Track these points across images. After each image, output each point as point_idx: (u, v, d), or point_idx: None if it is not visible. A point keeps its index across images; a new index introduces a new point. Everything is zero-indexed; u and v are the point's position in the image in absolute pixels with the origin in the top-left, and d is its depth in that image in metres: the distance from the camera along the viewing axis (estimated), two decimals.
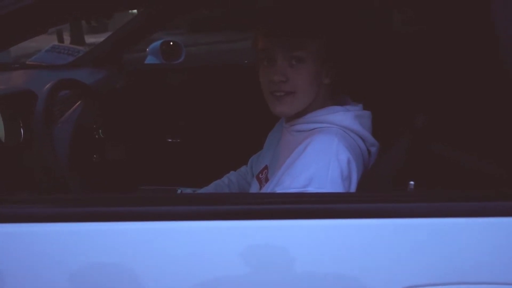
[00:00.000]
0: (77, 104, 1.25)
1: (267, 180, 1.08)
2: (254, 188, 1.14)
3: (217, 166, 1.44)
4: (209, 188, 1.34)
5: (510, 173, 0.77)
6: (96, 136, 1.30)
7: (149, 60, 2.36)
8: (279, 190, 0.94)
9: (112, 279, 0.76)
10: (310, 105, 1.03)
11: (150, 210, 0.76)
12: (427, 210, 0.73)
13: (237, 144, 1.70)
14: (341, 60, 1.02)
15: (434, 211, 0.73)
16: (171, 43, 2.38)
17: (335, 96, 1.07)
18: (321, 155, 0.93)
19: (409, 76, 1.21)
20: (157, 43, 2.35)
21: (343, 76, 1.03)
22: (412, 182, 0.78)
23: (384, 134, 1.05)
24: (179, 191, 1.52)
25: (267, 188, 1.03)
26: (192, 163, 1.94)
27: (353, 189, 0.95)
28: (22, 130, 1.31)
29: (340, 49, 1.02)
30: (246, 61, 2.34)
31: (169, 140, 2.15)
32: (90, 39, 10.10)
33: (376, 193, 0.86)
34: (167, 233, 0.75)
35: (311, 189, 0.90)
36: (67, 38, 10.24)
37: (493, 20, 0.75)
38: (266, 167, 1.14)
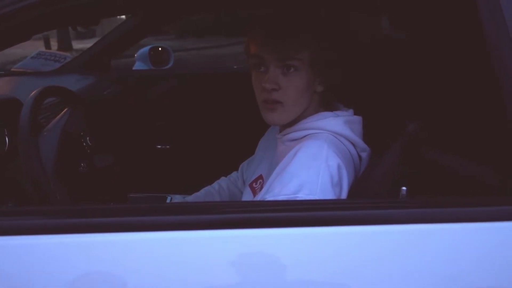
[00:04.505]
0: (64, 111, 1.22)
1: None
2: (247, 197, 1.12)
3: (207, 172, 1.42)
4: (199, 195, 1.33)
5: (503, 178, 0.77)
6: (84, 144, 1.27)
7: (138, 66, 2.35)
8: (269, 197, 0.93)
9: None
10: (302, 113, 1.02)
11: (139, 221, 0.74)
12: (420, 216, 0.73)
13: (227, 150, 1.69)
14: (334, 68, 1.01)
15: (427, 217, 0.73)
16: (160, 49, 2.37)
17: (328, 103, 1.06)
18: (311, 161, 0.93)
19: (401, 82, 1.21)
20: (146, 49, 2.34)
21: (336, 84, 1.02)
22: (404, 188, 0.78)
23: (376, 140, 1.05)
24: (169, 198, 1.50)
25: (259, 197, 1.02)
26: (182, 169, 1.92)
27: (344, 195, 0.94)
28: (7, 139, 1.28)
29: (333, 57, 1.01)
30: (235, 67, 2.34)
31: (159, 146, 2.13)
32: (77, 45, 10.02)
33: (367, 199, 0.85)
34: (156, 244, 0.74)
35: (301, 195, 0.89)
36: (54, 44, 10.15)
37: (482, 25, 0.75)
38: (261, 177, 1.12)
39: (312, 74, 0.99)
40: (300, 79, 0.98)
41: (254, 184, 1.12)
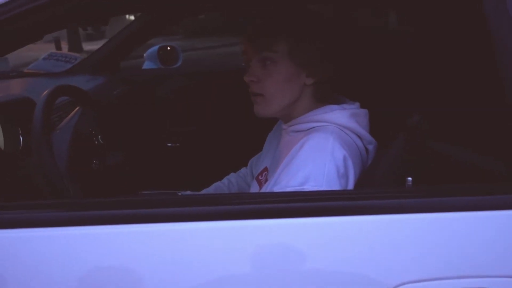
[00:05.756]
0: (75, 110, 1.25)
1: (267, 181, 1.09)
2: (254, 189, 1.14)
3: (217, 169, 1.44)
4: (209, 190, 1.35)
5: (507, 167, 0.77)
6: (96, 142, 1.30)
7: (147, 65, 2.38)
8: (276, 189, 0.94)
9: (114, 282, 0.76)
10: (295, 105, 1.04)
11: (149, 213, 0.76)
12: (425, 205, 0.74)
13: (237, 147, 1.71)
14: (323, 59, 1.02)
15: (432, 206, 0.73)
16: (168, 48, 2.39)
17: (325, 97, 1.06)
18: (317, 153, 0.94)
19: (406, 75, 1.22)
20: (154, 48, 2.36)
21: (328, 76, 1.03)
22: (409, 178, 0.79)
23: (382, 132, 1.05)
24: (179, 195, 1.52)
25: (265, 189, 1.04)
26: (192, 167, 1.94)
27: (350, 186, 0.95)
28: (21, 138, 1.31)
29: (319, 48, 1.01)
30: (243, 64, 2.35)
31: (169, 144, 2.15)
32: (88, 46, 10.12)
33: (373, 189, 0.86)
34: (164, 235, 0.76)
35: (307, 187, 0.90)
36: (64, 46, 10.25)
37: (486, 18, 0.75)
38: (266, 169, 1.14)
39: (294, 66, 1.00)
40: (277, 71, 1.00)
41: (259, 176, 1.14)
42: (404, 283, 0.72)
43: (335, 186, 0.91)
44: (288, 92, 1.02)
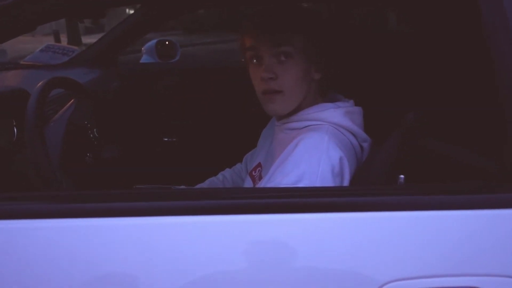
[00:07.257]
0: (70, 102, 1.24)
1: (260, 178, 1.08)
2: (247, 185, 1.14)
3: (212, 165, 1.44)
4: (204, 185, 1.35)
5: (498, 166, 0.77)
6: (91, 136, 1.29)
7: (145, 59, 2.37)
8: (270, 186, 0.94)
9: (105, 275, 0.76)
10: (302, 102, 1.03)
11: (142, 206, 0.76)
12: (417, 203, 0.74)
13: (232, 142, 1.71)
14: (329, 54, 1.02)
15: (424, 204, 0.73)
16: (167, 42, 2.38)
17: (326, 92, 1.07)
18: (312, 152, 0.94)
19: (402, 73, 1.21)
20: (153, 42, 2.36)
21: (332, 71, 1.03)
22: (402, 176, 0.79)
23: (377, 130, 1.05)
24: None
25: (260, 186, 1.03)
26: (188, 162, 1.94)
27: (345, 184, 0.95)
28: (15, 130, 1.31)
29: (327, 43, 1.01)
30: (242, 59, 2.35)
31: (165, 139, 2.15)
32: (87, 39, 10.09)
33: (364, 186, 0.86)
34: (157, 228, 0.75)
35: (301, 185, 0.90)
36: (64, 39, 10.22)
37: (482, 19, 0.75)
38: (259, 165, 1.14)
39: (307, 61, 1.00)
40: (295, 66, 0.99)
41: (253, 172, 1.14)
42: (393, 280, 0.72)
43: (329, 184, 0.91)
44: (303, 88, 1.01)
